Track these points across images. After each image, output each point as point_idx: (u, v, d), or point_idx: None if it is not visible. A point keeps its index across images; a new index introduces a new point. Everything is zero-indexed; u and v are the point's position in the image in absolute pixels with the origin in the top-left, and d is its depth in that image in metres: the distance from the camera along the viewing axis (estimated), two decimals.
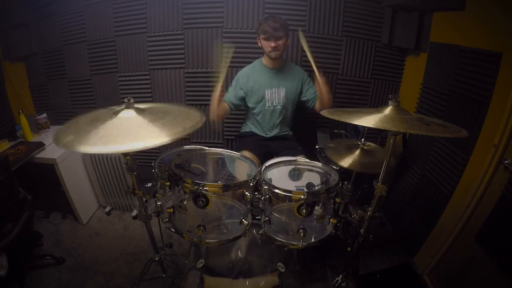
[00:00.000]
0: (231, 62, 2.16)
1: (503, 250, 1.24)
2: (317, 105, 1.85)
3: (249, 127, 2.01)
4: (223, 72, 1.58)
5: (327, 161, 1.50)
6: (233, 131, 2.39)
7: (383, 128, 0.94)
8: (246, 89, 1.85)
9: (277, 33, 1.66)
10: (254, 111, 1.92)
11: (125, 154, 1.14)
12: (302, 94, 1.92)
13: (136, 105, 1.07)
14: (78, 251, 1.95)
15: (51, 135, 2.19)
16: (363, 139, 1.47)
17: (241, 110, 2.07)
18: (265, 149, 1.90)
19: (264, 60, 1.85)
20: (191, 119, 1.07)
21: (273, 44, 1.68)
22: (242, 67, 1.93)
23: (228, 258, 1.44)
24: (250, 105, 1.91)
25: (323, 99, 1.72)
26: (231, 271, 1.37)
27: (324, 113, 1.16)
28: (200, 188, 1.09)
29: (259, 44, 1.77)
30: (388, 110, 1.04)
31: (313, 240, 1.24)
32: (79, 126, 0.97)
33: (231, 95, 1.87)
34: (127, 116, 1.02)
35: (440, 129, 0.98)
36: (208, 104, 2.34)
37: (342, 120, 1.04)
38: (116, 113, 1.02)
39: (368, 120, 0.99)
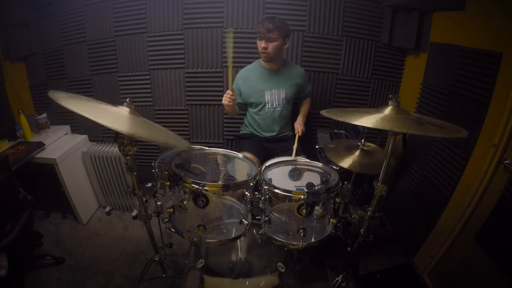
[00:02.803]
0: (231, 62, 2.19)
1: (503, 250, 1.24)
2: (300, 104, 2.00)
3: (248, 128, 2.01)
4: (229, 65, 1.50)
5: (327, 161, 1.50)
6: (233, 131, 2.39)
7: (373, 127, 0.94)
8: (245, 90, 1.85)
9: (269, 34, 1.63)
10: (254, 112, 1.92)
11: (125, 154, 1.14)
12: (299, 93, 1.96)
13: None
14: (78, 251, 1.95)
15: (51, 135, 2.19)
16: (362, 140, 1.47)
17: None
18: (265, 150, 1.89)
19: (263, 61, 1.85)
20: (172, 140, 1.15)
21: (263, 45, 1.66)
22: (242, 67, 1.93)
23: (228, 258, 1.44)
24: (249, 106, 1.92)
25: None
26: (231, 271, 1.37)
27: (323, 113, 1.16)
28: (200, 188, 1.09)
29: None
30: (387, 110, 1.04)
31: (313, 240, 1.24)
32: (78, 97, 1.09)
33: (235, 93, 1.86)
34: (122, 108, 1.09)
35: (434, 129, 0.98)
36: (208, 104, 2.35)
37: (340, 119, 1.04)
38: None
39: (364, 120, 0.98)
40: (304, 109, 2.00)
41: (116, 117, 1.03)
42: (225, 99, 1.64)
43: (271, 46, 1.67)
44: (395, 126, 0.95)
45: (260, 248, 1.47)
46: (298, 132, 1.79)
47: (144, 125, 1.09)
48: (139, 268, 1.75)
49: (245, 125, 2.05)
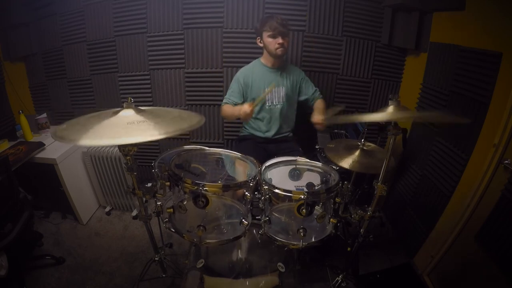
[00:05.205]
0: (231, 62, 2.19)
1: (503, 250, 1.24)
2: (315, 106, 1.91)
3: (248, 130, 2.01)
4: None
5: (327, 161, 1.50)
6: (233, 131, 2.39)
7: (381, 121, 0.97)
8: (247, 87, 1.85)
9: (284, 29, 1.68)
10: (254, 110, 1.91)
11: (125, 154, 1.14)
12: (302, 93, 1.95)
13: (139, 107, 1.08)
14: (78, 251, 1.95)
15: (51, 135, 2.19)
16: (363, 140, 1.47)
17: None
18: (265, 152, 1.89)
19: (264, 60, 1.85)
20: (187, 121, 1.07)
21: (280, 41, 1.68)
22: (242, 67, 1.93)
23: (228, 258, 1.44)
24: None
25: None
26: (231, 271, 1.37)
27: (327, 120, 1.17)
28: (200, 188, 1.09)
29: (260, 43, 1.77)
30: (390, 109, 1.07)
31: (313, 240, 1.24)
32: (77, 122, 1.01)
33: (235, 94, 1.85)
34: (126, 114, 1.03)
35: (438, 115, 1.02)
36: (208, 104, 2.35)
37: (348, 121, 1.08)
38: (116, 112, 1.04)
39: (371, 117, 1.01)
40: (317, 107, 1.90)
41: (128, 129, 0.97)
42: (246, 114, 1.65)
43: (286, 41, 1.71)
44: (402, 116, 0.97)
45: (260, 248, 1.47)
46: (319, 122, 1.67)
47: (157, 119, 1.03)
48: (139, 268, 1.75)
49: (245, 126, 2.04)
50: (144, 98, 2.37)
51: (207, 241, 1.20)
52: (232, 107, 1.82)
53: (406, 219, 2.00)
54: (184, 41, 2.18)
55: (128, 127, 0.96)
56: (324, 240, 1.25)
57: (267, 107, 1.87)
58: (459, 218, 1.49)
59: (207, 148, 1.45)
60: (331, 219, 1.24)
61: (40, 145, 1.99)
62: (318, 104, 1.94)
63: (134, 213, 2.31)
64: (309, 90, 1.98)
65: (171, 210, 1.24)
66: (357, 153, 1.42)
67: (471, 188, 1.44)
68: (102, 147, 2.13)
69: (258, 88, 1.84)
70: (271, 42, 1.71)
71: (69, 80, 2.47)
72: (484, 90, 1.40)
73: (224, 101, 1.88)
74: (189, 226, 1.23)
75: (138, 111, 1.05)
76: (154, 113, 1.08)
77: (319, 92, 2.01)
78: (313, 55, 2.18)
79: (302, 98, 1.96)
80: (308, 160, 1.44)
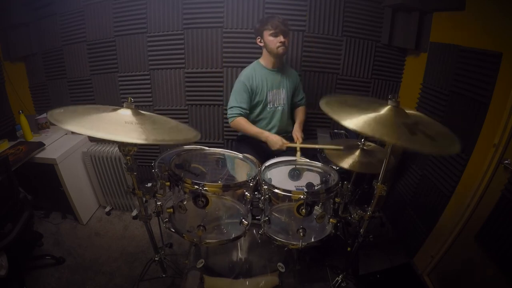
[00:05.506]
0: (231, 62, 2.19)
1: (503, 250, 1.24)
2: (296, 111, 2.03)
3: None
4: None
5: (327, 161, 1.50)
6: (233, 131, 2.38)
7: (361, 132, 0.90)
8: (252, 92, 1.82)
9: (286, 28, 1.69)
10: (255, 112, 1.91)
11: (125, 154, 1.14)
12: (294, 96, 1.97)
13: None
14: (78, 251, 1.95)
15: (52, 135, 2.19)
16: (363, 139, 1.47)
17: None
18: (264, 152, 1.88)
19: (263, 61, 1.84)
20: (183, 134, 1.11)
21: (282, 39, 1.69)
22: (242, 67, 1.93)
23: (228, 258, 1.44)
24: (251, 108, 1.90)
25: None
26: (231, 271, 1.37)
27: (322, 103, 1.12)
28: (200, 188, 1.09)
29: (260, 43, 1.77)
30: (385, 110, 0.99)
31: (312, 240, 1.24)
32: (75, 110, 1.03)
33: (245, 101, 1.79)
34: (123, 113, 1.06)
35: (425, 141, 0.93)
36: (208, 104, 2.35)
37: (334, 117, 1.00)
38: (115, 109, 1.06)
39: (356, 121, 0.94)
40: (299, 117, 1.98)
41: (126, 127, 0.99)
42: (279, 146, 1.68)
43: (287, 40, 1.72)
44: (384, 134, 0.91)
45: (260, 248, 1.47)
46: (298, 139, 1.77)
47: (155, 125, 1.06)
48: (139, 268, 1.75)
49: None
50: (144, 98, 2.37)
51: (207, 241, 1.20)
52: (253, 128, 1.79)
53: (406, 219, 2.00)
54: (184, 41, 2.18)
55: (126, 126, 0.97)
56: (323, 240, 1.25)
57: (268, 109, 1.87)
58: (459, 218, 1.49)
59: (207, 148, 1.45)
60: (331, 219, 1.24)
61: (40, 145, 1.99)
62: (300, 114, 2.00)
63: (134, 213, 2.31)
64: (299, 95, 2.01)
65: (171, 210, 1.24)
66: (357, 153, 1.42)
67: (471, 188, 1.44)
68: (102, 147, 2.14)
69: (261, 91, 1.82)
70: (273, 41, 1.70)
71: (69, 80, 2.47)
72: (484, 90, 1.40)
73: (235, 111, 1.78)
74: (189, 226, 1.23)
75: (137, 114, 1.06)
76: (152, 118, 1.10)
77: (305, 99, 2.05)
78: (313, 55, 2.19)
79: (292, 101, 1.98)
80: (308, 160, 1.44)
